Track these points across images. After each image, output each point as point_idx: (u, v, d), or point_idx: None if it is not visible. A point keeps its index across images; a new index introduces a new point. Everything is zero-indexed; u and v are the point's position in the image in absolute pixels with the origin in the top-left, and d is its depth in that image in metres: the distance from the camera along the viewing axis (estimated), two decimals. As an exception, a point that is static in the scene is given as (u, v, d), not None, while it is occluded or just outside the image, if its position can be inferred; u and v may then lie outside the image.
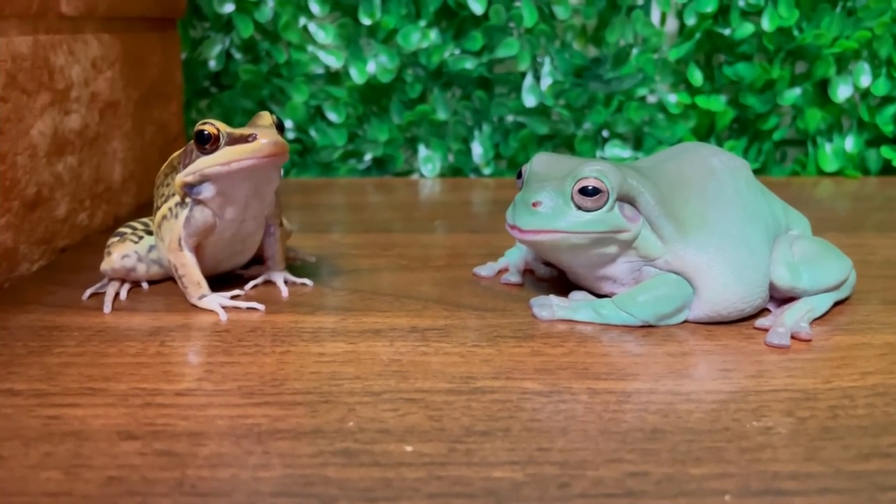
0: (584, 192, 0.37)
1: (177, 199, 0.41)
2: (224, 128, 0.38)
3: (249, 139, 0.38)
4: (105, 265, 0.43)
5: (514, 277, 0.45)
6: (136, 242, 0.44)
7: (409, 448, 0.28)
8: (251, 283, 0.44)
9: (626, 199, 0.38)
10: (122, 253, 0.43)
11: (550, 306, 0.39)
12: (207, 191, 0.39)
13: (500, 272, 0.47)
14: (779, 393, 0.31)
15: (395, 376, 0.33)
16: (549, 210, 0.38)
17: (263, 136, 0.38)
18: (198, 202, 0.40)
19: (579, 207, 0.38)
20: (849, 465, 0.26)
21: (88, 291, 0.43)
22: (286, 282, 0.45)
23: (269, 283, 0.45)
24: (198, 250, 0.42)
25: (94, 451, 0.27)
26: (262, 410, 0.30)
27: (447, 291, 0.44)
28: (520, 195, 0.40)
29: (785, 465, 0.26)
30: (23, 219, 0.46)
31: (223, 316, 0.40)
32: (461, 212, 0.63)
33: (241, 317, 0.40)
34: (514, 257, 0.47)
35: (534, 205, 0.38)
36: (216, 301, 0.41)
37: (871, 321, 0.39)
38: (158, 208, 0.43)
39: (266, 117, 0.40)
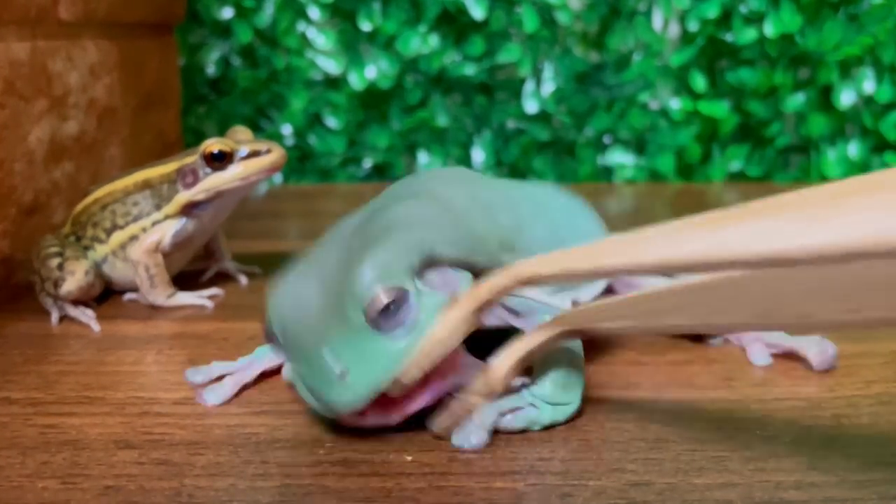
0: (380, 317, 0.26)
1: (155, 217, 0.42)
2: (235, 145, 0.41)
3: (264, 153, 0.41)
4: (70, 286, 0.40)
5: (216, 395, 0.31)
6: (86, 258, 0.42)
7: (408, 458, 0.27)
8: (205, 276, 0.47)
9: (427, 266, 0.28)
10: (84, 269, 0.41)
11: (476, 430, 0.28)
12: (213, 205, 0.42)
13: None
14: (782, 402, 0.31)
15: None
16: (358, 367, 0.26)
17: (275, 147, 0.41)
18: (193, 215, 0.41)
19: (384, 335, 0.26)
20: (853, 474, 0.26)
21: (55, 318, 0.40)
22: (238, 270, 0.47)
23: (219, 274, 0.47)
24: (166, 254, 0.42)
25: (91, 461, 0.27)
26: (260, 419, 0.30)
27: (447, 298, 0.43)
28: (296, 372, 0.28)
29: (789, 474, 0.26)
30: (20, 226, 0.45)
31: (209, 304, 0.42)
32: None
33: (239, 325, 0.40)
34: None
35: (341, 377, 0.26)
36: (188, 296, 0.42)
37: (875, 329, 0.39)
38: (118, 227, 0.42)
39: (245, 131, 0.42)
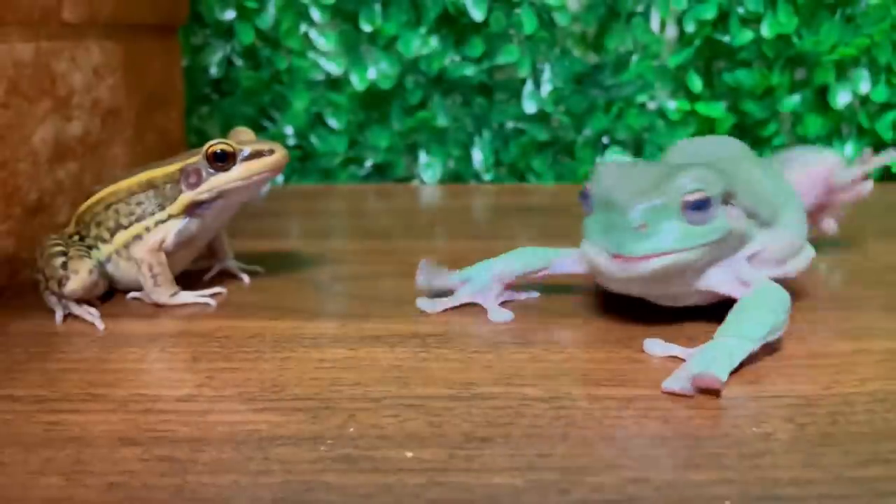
0: (692, 206, 0.34)
1: (157, 217, 0.42)
2: (238, 145, 0.41)
3: (267, 153, 0.41)
4: (74, 285, 0.40)
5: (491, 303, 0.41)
6: (89, 258, 0.42)
7: (409, 454, 0.28)
8: (208, 276, 0.47)
9: (724, 199, 0.36)
10: (88, 268, 0.41)
11: (685, 377, 0.32)
12: (216, 205, 0.42)
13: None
14: (779, 399, 0.31)
15: (395, 382, 0.33)
16: (659, 231, 0.34)
17: (278, 148, 0.41)
18: (197, 215, 0.42)
19: (688, 222, 0.35)
20: (849, 471, 0.26)
21: (59, 316, 0.41)
22: (241, 269, 0.48)
23: (222, 273, 0.48)
24: (169, 253, 0.43)
25: (95, 457, 0.28)
26: (262, 416, 0.30)
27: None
28: (602, 218, 0.35)
29: (785, 471, 0.26)
30: (24, 225, 0.46)
31: (212, 302, 0.42)
32: (462, 218, 0.63)
33: (241, 323, 0.40)
34: (482, 281, 0.41)
35: (640, 227, 0.34)
36: (191, 295, 0.43)
37: (871, 327, 0.39)
38: (122, 227, 0.42)
39: (248, 132, 0.43)
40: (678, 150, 0.44)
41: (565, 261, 0.41)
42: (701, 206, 0.34)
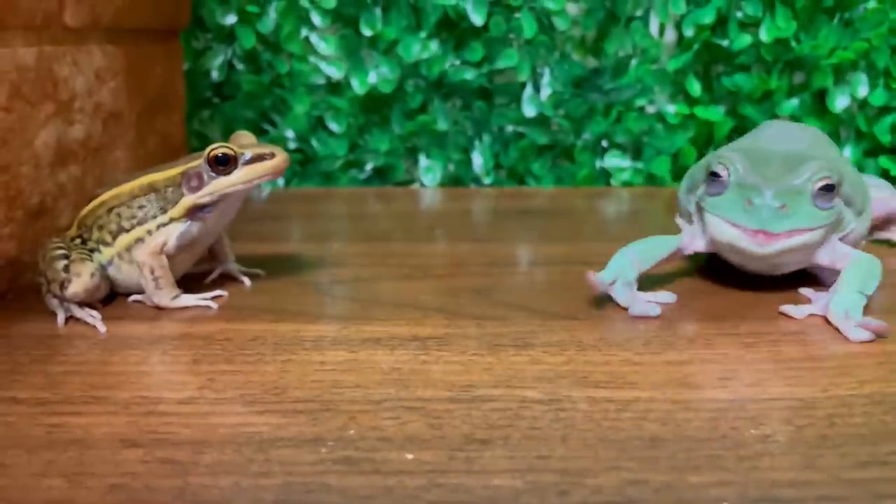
0: (824, 190, 0.40)
1: (159, 220, 0.42)
2: (239, 149, 0.41)
3: (268, 157, 0.41)
4: (76, 287, 0.40)
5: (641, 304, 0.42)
6: (91, 261, 0.42)
7: (409, 456, 0.28)
8: (210, 279, 0.47)
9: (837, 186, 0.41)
10: (90, 271, 0.41)
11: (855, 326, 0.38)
12: (217, 209, 0.42)
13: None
14: (777, 401, 0.31)
15: (395, 385, 0.33)
16: (796, 212, 0.40)
17: (279, 152, 0.42)
18: (198, 218, 0.42)
19: (817, 205, 0.40)
20: (846, 473, 0.26)
21: (61, 319, 0.41)
22: (242, 272, 0.48)
23: (223, 276, 0.48)
24: (170, 256, 0.43)
25: (97, 459, 0.28)
26: (263, 419, 0.30)
27: (447, 300, 0.44)
28: (738, 198, 0.40)
29: (783, 473, 0.26)
30: (26, 228, 0.46)
31: (213, 305, 0.43)
32: (461, 221, 0.63)
33: (243, 326, 0.40)
34: (627, 272, 0.42)
35: (781, 207, 0.39)
36: (192, 298, 0.43)
37: (868, 330, 0.39)
38: (124, 230, 0.43)
39: (249, 135, 0.44)
40: (772, 134, 0.48)
41: (693, 241, 0.45)
42: (828, 191, 0.40)
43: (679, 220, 0.48)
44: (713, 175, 0.42)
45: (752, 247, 0.40)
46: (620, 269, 0.42)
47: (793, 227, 0.39)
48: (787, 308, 0.41)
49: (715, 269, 0.48)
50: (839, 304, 0.39)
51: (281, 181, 0.78)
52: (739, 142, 0.49)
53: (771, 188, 0.39)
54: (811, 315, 0.40)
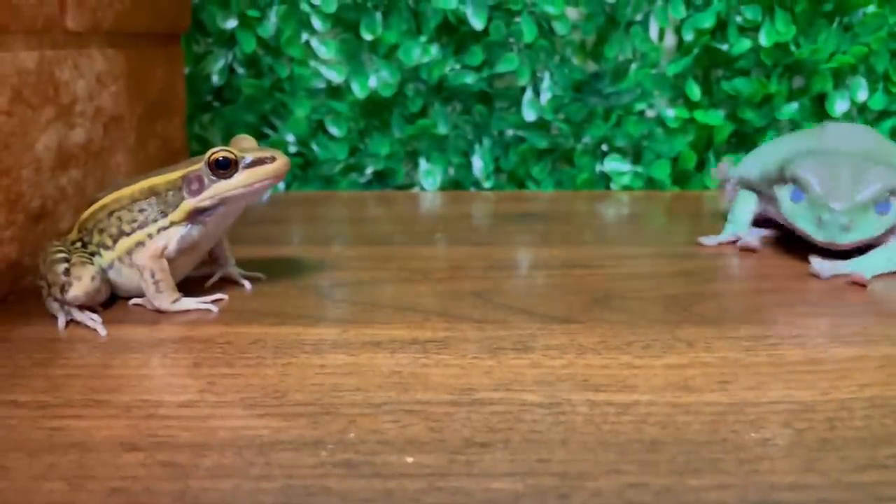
0: (880, 202, 0.48)
1: (160, 224, 0.42)
2: (240, 153, 0.42)
3: (268, 160, 0.41)
4: (77, 291, 0.40)
5: (754, 241, 0.53)
6: (92, 264, 0.42)
7: (409, 459, 0.28)
8: (210, 282, 0.47)
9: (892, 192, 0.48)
10: (91, 275, 0.41)
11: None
12: (218, 212, 0.42)
13: (730, 243, 0.55)
14: (777, 405, 0.32)
15: (395, 388, 0.33)
16: (859, 226, 0.47)
17: (279, 155, 0.42)
18: (199, 222, 0.42)
19: (877, 214, 0.48)
20: (846, 476, 0.27)
21: (62, 322, 0.41)
22: (242, 276, 0.48)
23: (224, 279, 0.48)
24: (171, 260, 0.43)
25: (98, 463, 0.28)
26: (263, 422, 0.31)
27: (448, 303, 0.44)
28: (811, 212, 0.48)
29: (783, 476, 0.26)
30: (27, 231, 0.46)
31: (213, 309, 0.43)
32: (462, 225, 0.64)
33: (243, 329, 0.40)
34: (745, 229, 0.55)
35: (847, 224, 0.47)
36: (193, 301, 0.43)
37: (869, 333, 0.39)
38: (125, 234, 0.43)
39: (250, 139, 0.44)
40: (835, 135, 0.54)
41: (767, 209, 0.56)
42: (886, 201, 0.48)
43: (736, 186, 0.59)
44: (795, 183, 0.50)
45: (822, 246, 0.49)
46: (739, 217, 0.56)
47: (855, 240, 0.47)
48: (818, 264, 0.48)
49: (715, 271, 0.48)
50: (862, 260, 0.47)
51: (281, 185, 0.78)
52: (808, 142, 0.55)
53: (838, 203, 0.47)
54: (835, 276, 0.47)
